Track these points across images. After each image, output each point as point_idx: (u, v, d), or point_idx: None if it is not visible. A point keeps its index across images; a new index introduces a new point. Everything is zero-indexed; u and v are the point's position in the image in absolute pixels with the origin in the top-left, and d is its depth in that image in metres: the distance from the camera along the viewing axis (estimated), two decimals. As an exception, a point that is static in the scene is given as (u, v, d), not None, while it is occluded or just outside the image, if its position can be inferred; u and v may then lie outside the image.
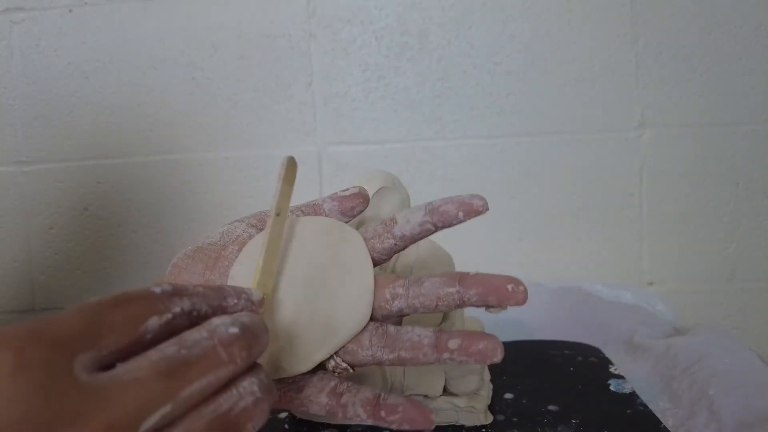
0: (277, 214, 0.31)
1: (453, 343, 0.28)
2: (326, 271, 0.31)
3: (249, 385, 0.23)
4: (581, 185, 0.76)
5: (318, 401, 0.30)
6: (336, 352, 0.30)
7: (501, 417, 0.46)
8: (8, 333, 0.19)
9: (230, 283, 0.32)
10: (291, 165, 0.32)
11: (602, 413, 0.45)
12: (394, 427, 0.28)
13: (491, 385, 0.49)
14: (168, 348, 0.21)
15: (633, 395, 0.48)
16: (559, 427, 0.43)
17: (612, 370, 0.54)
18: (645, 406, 0.46)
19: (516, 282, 0.28)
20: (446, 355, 0.28)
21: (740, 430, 0.42)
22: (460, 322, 0.46)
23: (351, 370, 0.31)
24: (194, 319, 0.23)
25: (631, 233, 0.76)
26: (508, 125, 0.76)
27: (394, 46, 0.76)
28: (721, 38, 0.73)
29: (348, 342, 0.30)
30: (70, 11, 0.78)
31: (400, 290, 0.30)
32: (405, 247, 0.32)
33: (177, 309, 0.23)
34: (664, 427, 0.43)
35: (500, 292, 0.28)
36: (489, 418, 0.45)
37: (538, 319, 0.67)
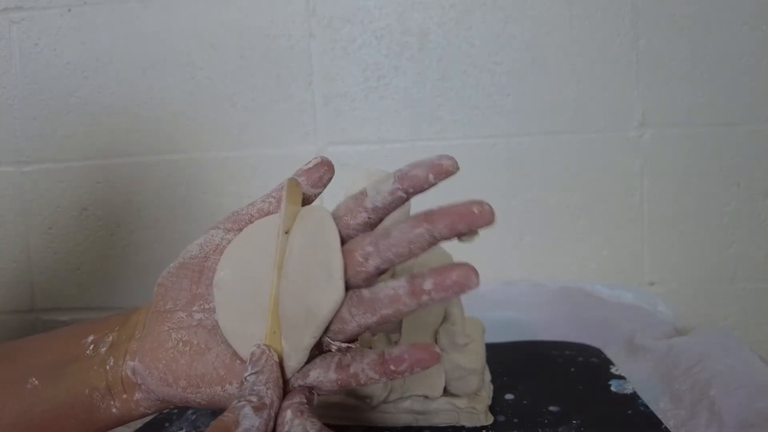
0: (286, 233, 0.32)
1: (427, 284, 0.28)
2: (302, 256, 0.31)
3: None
4: (581, 185, 0.76)
5: (328, 379, 0.30)
6: (326, 335, 0.30)
7: (502, 418, 0.45)
8: None
9: (215, 291, 0.32)
10: (292, 186, 0.33)
11: (603, 414, 0.45)
12: (406, 374, 0.29)
13: (492, 386, 0.49)
14: None
15: (634, 396, 0.48)
16: (560, 428, 0.43)
17: (613, 370, 0.54)
18: (646, 406, 0.46)
19: (480, 203, 0.28)
20: (425, 298, 0.28)
21: (741, 430, 0.42)
22: (461, 323, 0.46)
23: (353, 346, 0.31)
24: None
25: (632, 233, 0.75)
26: (508, 125, 0.76)
27: (394, 46, 0.76)
28: (721, 38, 0.73)
29: (332, 323, 0.30)
30: (69, 11, 0.77)
31: (370, 248, 0.30)
32: (380, 220, 0.32)
33: None
34: (665, 427, 0.43)
35: (468, 217, 0.27)
36: (489, 419, 0.45)
37: (538, 320, 0.67)
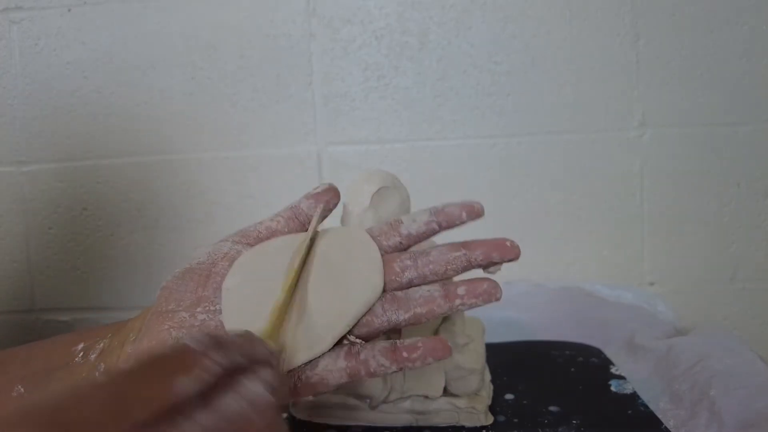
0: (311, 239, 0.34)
1: (460, 290, 0.31)
2: (340, 265, 0.33)
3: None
4: (581, 185, 0.76)
5: (337, 367, 0.30)
6: (351, 329, 0.31)
7: (502, 418, 0.45)
8: (16, 420, 0.16)
9: (224, 294, 0.32)
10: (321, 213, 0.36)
11: (603, 414, 0.45)
12: (418, 364, 0.30)
13: (492, 386, 0.49)
14: (206, 419, 0.20)
15: (634, 396, 0.48)
16: (560, 428, 0.43)
17: (613, 370, 0.54)
18: (646, 406, 0.46)
19: (511, 240, 0.32)
20: (458, 302, 0.31)
21: (741, 430, 0.42)
22: (461, 323, 0.46)
23: (366, 342, 0.31)
24: (228, 372, 0.22)
25: (632, 233, 0.75)
26: (508, 125, 0.76)
27: (394, 46, 0.76)
28: (721, 38, 0.73)
29: (363, 315, 0.31)
30: (69, 11, 0.77)
31: (408, 262, 0.33)
32: (409, 246, 0.34)
33: (213, 366, 0.21)
34: (665, 427, 0.43)
35: (502, 249, 0.32)
36: (489, 419, 0.45)
37: (538, 320, 0.67)
